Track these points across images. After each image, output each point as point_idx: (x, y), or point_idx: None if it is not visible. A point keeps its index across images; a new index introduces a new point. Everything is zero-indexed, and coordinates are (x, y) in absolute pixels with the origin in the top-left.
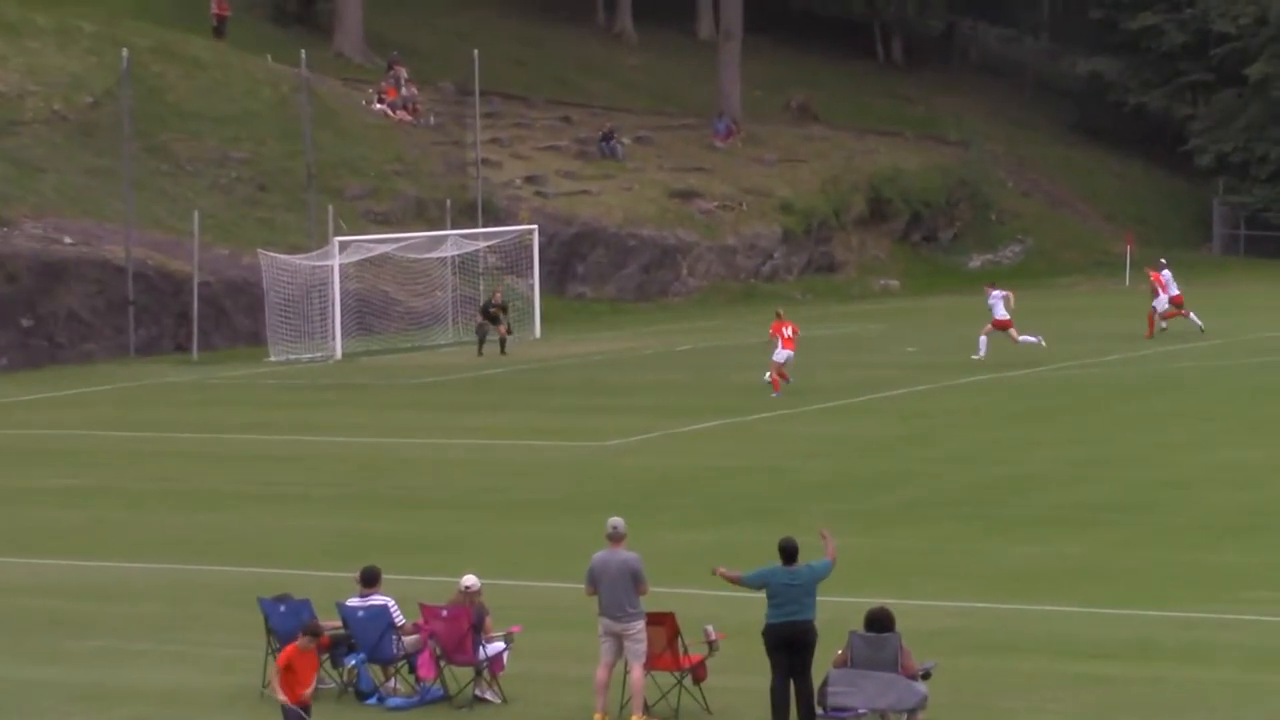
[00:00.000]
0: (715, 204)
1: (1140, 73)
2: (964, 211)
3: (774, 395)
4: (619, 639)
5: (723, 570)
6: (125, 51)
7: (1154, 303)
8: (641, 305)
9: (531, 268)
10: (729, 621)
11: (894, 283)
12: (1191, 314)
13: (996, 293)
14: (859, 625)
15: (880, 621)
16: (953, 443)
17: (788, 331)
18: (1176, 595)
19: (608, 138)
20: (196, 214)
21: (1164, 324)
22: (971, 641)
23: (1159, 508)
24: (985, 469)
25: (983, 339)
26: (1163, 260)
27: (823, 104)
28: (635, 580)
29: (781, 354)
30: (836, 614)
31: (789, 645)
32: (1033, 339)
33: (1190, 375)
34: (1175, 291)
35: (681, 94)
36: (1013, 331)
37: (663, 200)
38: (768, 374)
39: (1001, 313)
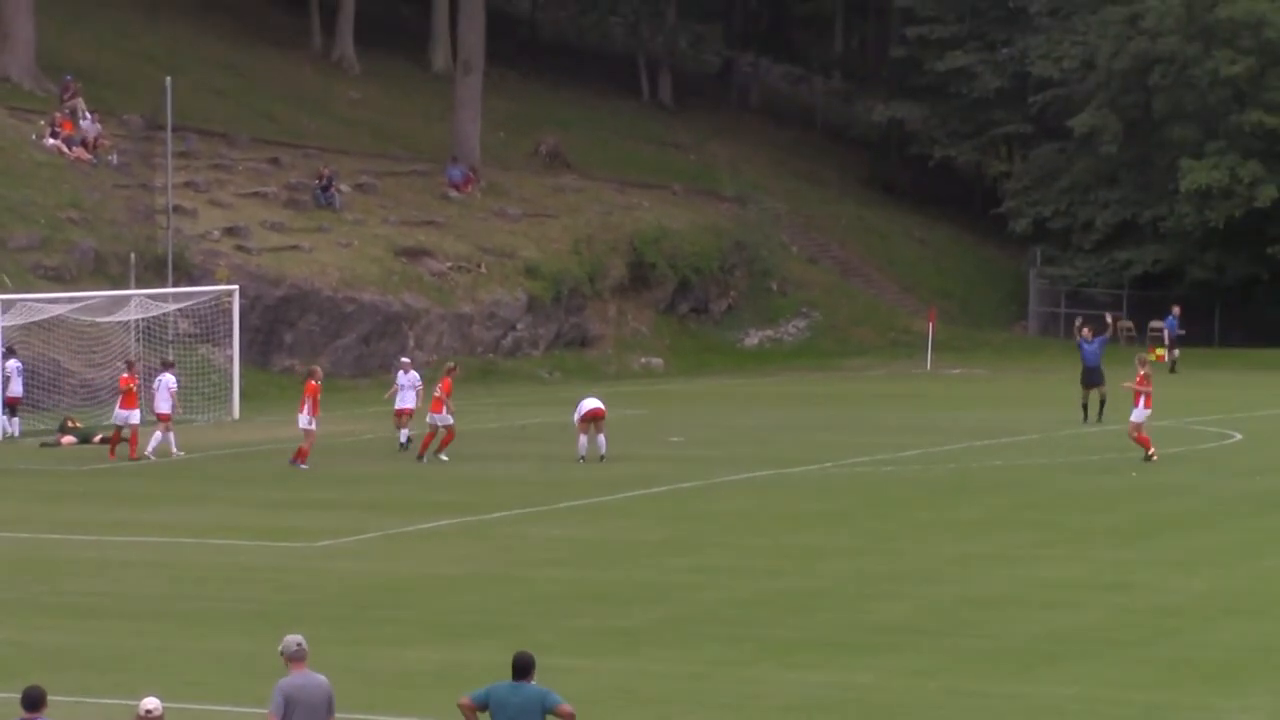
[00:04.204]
0: (449, 265)
1: (948, 121)
2: (740, 279)
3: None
4: None
5: (464, 701)
6: None
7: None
8: (361, 382)
9: (230, 335)
10: None
11: (658, 361)
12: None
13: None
14: None
15: None
16: (722, 550)
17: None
18: None
19: (324, 185)
20: None
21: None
22: None
23: (963, 630)
24: (760, 581)
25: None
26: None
27: (576, 149)
28: (329, 709)
29: (135, 415)
30: None
31: None
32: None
33: (999, 477)
34: (407, 404)
35: (411, 134)
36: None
37: (387, 259)
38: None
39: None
